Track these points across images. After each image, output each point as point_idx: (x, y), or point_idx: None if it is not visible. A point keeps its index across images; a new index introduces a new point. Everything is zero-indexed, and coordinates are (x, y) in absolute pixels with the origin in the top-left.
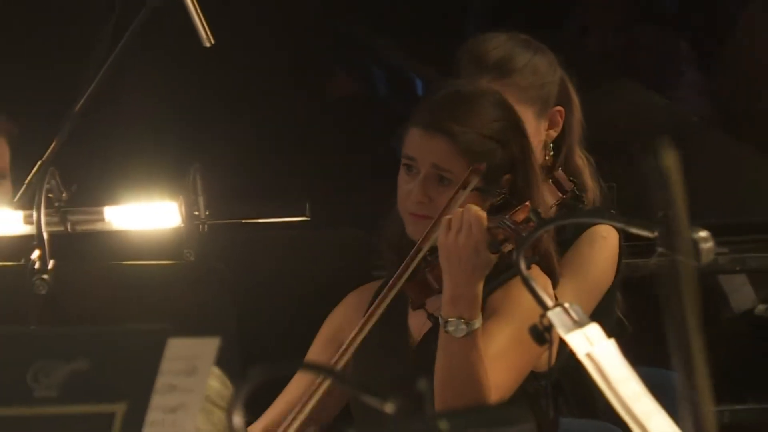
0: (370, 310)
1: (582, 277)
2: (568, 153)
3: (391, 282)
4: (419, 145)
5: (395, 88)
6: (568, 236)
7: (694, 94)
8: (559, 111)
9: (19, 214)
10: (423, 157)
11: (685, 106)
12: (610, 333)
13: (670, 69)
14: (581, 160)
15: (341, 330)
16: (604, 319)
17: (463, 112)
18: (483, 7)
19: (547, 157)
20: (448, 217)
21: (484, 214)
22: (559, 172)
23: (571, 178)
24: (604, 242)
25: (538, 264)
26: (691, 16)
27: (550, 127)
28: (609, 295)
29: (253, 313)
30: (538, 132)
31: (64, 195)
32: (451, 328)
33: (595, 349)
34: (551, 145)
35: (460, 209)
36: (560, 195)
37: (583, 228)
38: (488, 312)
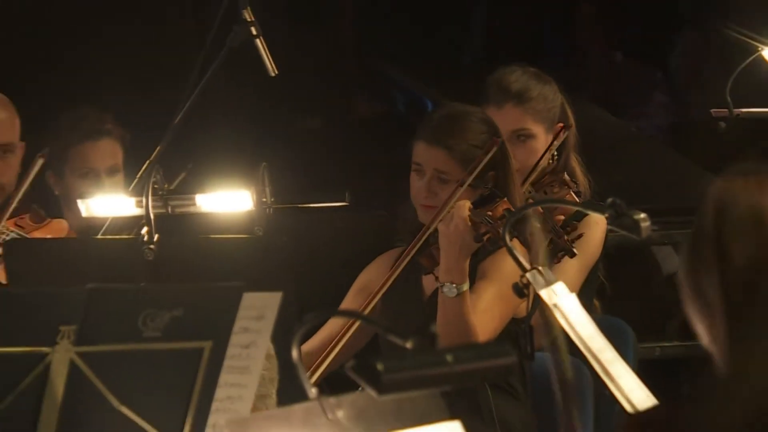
0: (392, 269)
1: (582, 251)
2: (566, 157)
3: (406, 251)
4: (424, 155)
5: (411, 107)
6: (572, 220)
7: (661, 111)
8: (560, 126)
9: (132, 200)
10: (427, 164)
11: (654, 122)
12: (596, 289)
13: (643, 93)
14: (575, 161)
15: (370, 282)
16: (592, 280)
17: (456, 128)
18: (476, 45)
19: (551, 162)
20: (448, 210)
21: (467, 213)
22: (565, 176)
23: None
24: (596, 227)
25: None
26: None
27: (554, 138)
28: (596, 264)
29: (306, 275)
30: (547, 141)
31: (165, 186)
32: (446, 290)
33: (560, 300)
34: (555, 152)
35: (456, 204)
36: (570, 189)
37: (582, 215)
38: (478, 276)
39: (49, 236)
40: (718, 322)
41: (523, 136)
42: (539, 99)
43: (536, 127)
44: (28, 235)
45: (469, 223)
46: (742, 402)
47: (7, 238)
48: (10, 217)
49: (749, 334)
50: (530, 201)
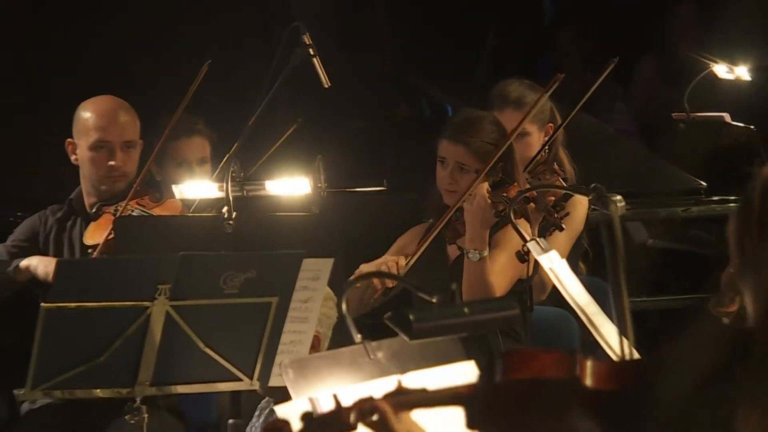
0: (422, 240)
1: (570, 225)
2: (555, 151)
3: (435, 225)
4: (446, 150)
5: (435, 111)
6: (561, 201)
7: (621, 116)
8: (550, 126)
9: (215, 185)
10: (450, 157)
11: (616, 123)
12: (581, 255)
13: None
14: (563, 154)
15: (405, 248)
16: (577, 248)
17: (472, 129)
18: (486, 63)
19: (544, 153)
20: (470, 193)
21: (486, 194)
22: (555, 166)
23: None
24: (580, 206)
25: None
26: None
27: (545, 135)
28: (581, 235)
29: (352, 245)
30: (540, 138)
31: (241, 174)
32: (470, 255)
33: (554, 265)
34: (547, 147)
35: (477, 187)
36: (559, 176)
37: (569, 196)
38: (492, 245)
39: (165, 213)
40: (763, 283)
41: (520, 135)
42: (530, 103)
43: (531, 127)
44: (149, 212)
45: (489, 202)
46: None
47: (134, 214)
48: (132, 198)
49: None
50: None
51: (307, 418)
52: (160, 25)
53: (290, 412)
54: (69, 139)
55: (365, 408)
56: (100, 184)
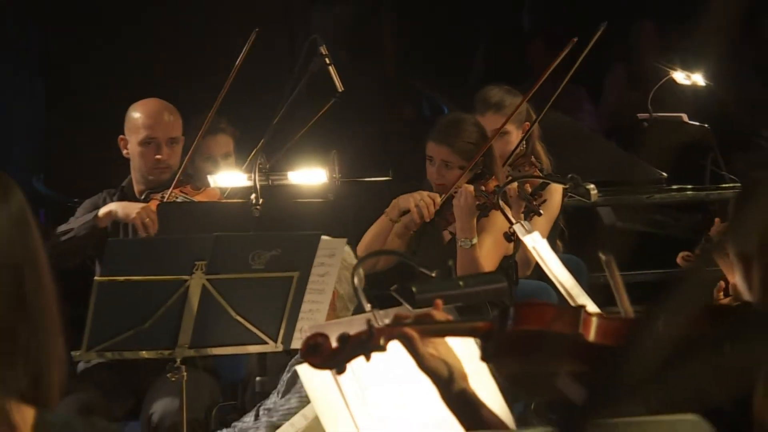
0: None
1: (547, 210)
2: (532, 145)
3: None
4: (433, 150)
5: (434, 112)
6: (538, 189)
7: (588, 115)
8: (527, 124)
9: (244, 176)
10: (436, 156)
11: (584, 121)
12: (558, 235)
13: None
14: (540, 147)
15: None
16: (555, 229)
17: (455, 131)
18: (479, 70)
19: (521, 147)
20: (455, 190)
21: (472, 191)
22: (533, 158)
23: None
24: (556, 193)
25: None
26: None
27: (522, 132)
28: (558, 217)
29: (362, 227)
30: (517, 136)
31: (267, 165)
32: (462, 244)
33: (536, 244)
34: (524, 142)
35: (463, 186)
36: (536, 168)
37: (545, 185)
38: (479, 229)
39: (205, 200)
40: (755, 271)
41: (500, 133)
42: (510, 107)
43: (510, 127)
44: (192, 199)
45: (474, 198)
46: None
47: (178, 200)
48: (176, 187)
49: None
50: (509, 178)
51: (343, 337)
52: (197, 38)
53: (309, 371)
54: (121, 136)
55: (394, 332)
56: (148, 175)
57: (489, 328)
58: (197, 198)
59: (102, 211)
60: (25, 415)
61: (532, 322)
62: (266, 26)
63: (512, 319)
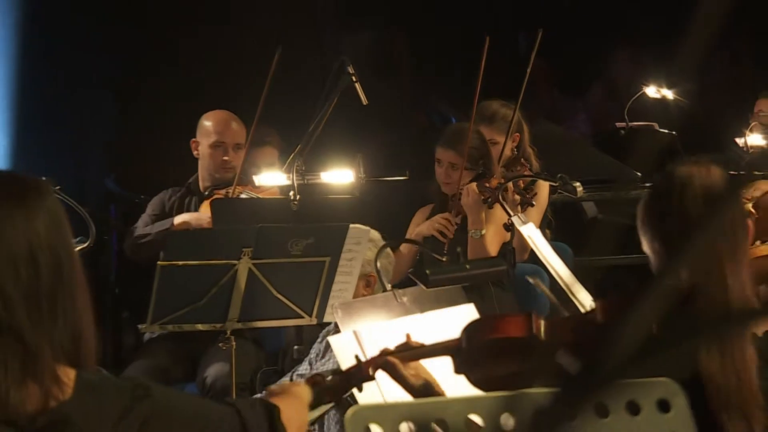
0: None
1: (538, 203)
2: (523, 149)
3: (438, 206)
4: (441, 154)
5: (443, 121)
6: (530, 185)
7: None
8: (517, 135)
9: (284, 176)
10: (444, 159)
11: (579, 129)
12: (546, 224)
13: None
14: (531, 151)
15: (418, 223)
16: (544, 218)
17: (460, 137)
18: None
19: (514, 152)
20: (466, 187)
21: (475, 188)
22: (523, 160)
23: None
24: (544, 188)
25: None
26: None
27: (514, 141)
28: (546, 209)
29: (383, 219)
30: (510, 143)
31: (303, 167)
32: (473, 234)
33: (531, 233)
34: (515, 148)
35: (469, 184)
36: (527, 168)
37: (534, 182)
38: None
39: (264, 196)
40: (675, 248)
41: (492, 143)
42: (501, 120)
43: (499, 137)
44: (255, 195)
45: (479, 194)
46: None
47: (242, 196)
48: (238, 185)
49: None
50: (503, 178)
51: (336, 373)
52: (245, 58)
53: (339, 341)
54: (193, 139)
55: (379, 362)
56: (215, 173)
57: (456, 345)
58: (261, 195)
59: (177, 220)
60: (69, 374)
61: (492, 333)
62: (303, 50)
63: (475, 334)
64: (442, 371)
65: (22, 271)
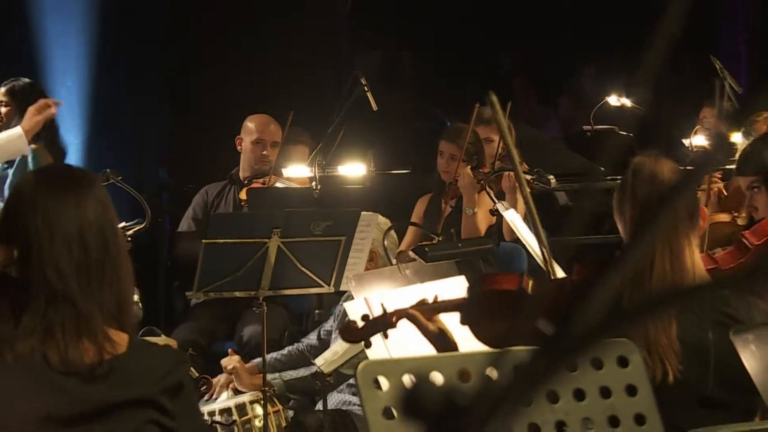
0: (429, 203)
1: (509, 195)
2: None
3: (437, 194)
4: (443, 147)
5: (440, 125)
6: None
7: (554, 129)
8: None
9: (308, 168)
10: (446, 150)
11: (550, 132)
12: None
13: (544, 119)
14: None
15: (420, 210)
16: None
17: (460, 133)
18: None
19: (502, 150)
20: (463, 172)
21: (470, 172)
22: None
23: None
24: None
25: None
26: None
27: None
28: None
29: (389, 205)
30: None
31: (324, 162)
32: (467, 211)
33: (513, 218)
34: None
35: (464, 170)
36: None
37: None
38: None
39: (298, 185)
40: (629, 226)
41: (487, 140)
42: (495, 123)
43: (494, 135)
44: (289, 184)
45: (473, 177)
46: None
47: (277, 185)
48: (273, 174)
49: (646, 231)
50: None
51: (365, 318)
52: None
53: (353, 306)
54: (238, 137)
55: (403, 313)
56: (255, 165)
57: (462, 302)
58: (294, 184)
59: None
60: (122, 336)
61: (491, 285)
62: (323, 65)
63: (478, 287)
64: (454, 325)
65: (74, 249)
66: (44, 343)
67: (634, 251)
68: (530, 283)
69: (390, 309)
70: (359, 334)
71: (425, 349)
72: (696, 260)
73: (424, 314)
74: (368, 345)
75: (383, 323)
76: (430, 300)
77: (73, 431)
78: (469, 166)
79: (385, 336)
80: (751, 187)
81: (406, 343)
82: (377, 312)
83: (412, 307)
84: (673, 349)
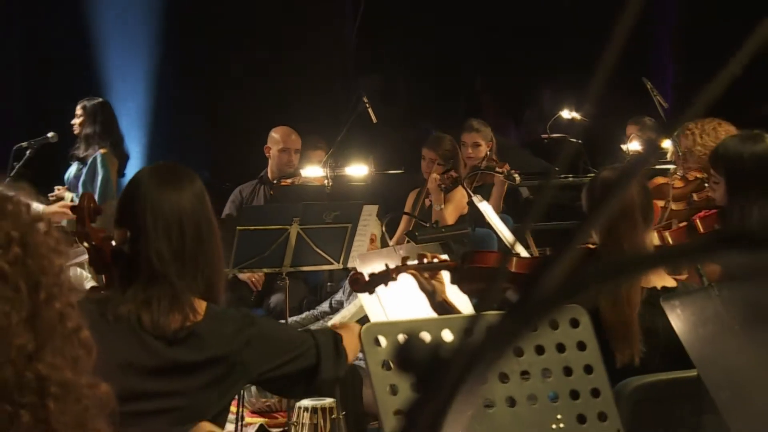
0: (418, 196)
1: (497, 188)
2: (493, 152)
3: (421, 191)
4: (426, 153)
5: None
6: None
7: (516, 137)
8: (491, 143)
9: (321, 170)
10: (427, 156)
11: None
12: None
13: (507, 129)
14: (494, 154)
15: (410, 200)
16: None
17: (439, 141)
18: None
19: (488, 154)
20: (431, 176)
21: (436, 178)
22: (494, 157)
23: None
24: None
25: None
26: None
27: (488, 146)
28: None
29: (386, 198)
30: (486, 147)
31: (334, 164)
32: (436, 207)
33: (485, 208)
34: (488, 152)
35: (432, 176)
36: (495, 162)
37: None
38: (447, 200)
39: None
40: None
41: (475, 144)
42: (484, 131)
43: (481, 141)
44: (314, 183)
45: (437, 182)
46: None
47: (296, 183)
48: (296, 176)
49: (593, 217)
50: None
51: (372, 274)
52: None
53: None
54: (266, 146)
55: (402, 269)
56: (282, 169)
57: (455, 265)
58: (312, 182)
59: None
60: (201, 305)
61: (477, 262)
62: (333, 86)
63: (467, 261)
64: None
65: (173, 238)
66: (140, 309)
67: (585, 231)
68: (513, 261)
69: (392, 265)
70: (366, 284)
71: (413, 306)
72: (650, 246)
73: (419, 271)
74: (371, 293)
75: (385, 276)
76: (426, 260)
77: (150, 380)
78: (436, 172)
79: (386, 285)
80: (714, 181)
81: (398, 302)
82: (380, 270)
83: (411, 264)
84: (636, 336)
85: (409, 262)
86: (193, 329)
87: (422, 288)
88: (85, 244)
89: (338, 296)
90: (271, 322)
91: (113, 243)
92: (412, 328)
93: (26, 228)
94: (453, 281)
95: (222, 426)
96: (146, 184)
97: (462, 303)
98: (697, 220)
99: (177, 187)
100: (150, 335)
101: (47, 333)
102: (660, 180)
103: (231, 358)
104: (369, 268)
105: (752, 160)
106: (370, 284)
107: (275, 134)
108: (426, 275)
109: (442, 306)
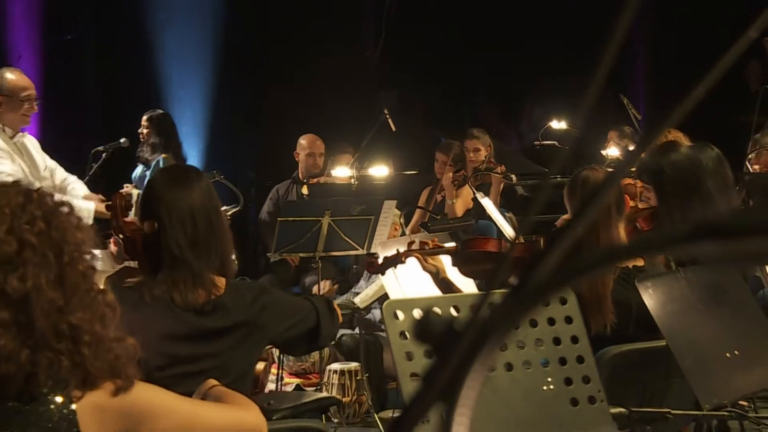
0: (431, 193)
1: (494, 186)
2: (492, 155)
3: (434, 189)
4: (438, 156)
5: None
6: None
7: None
8: (490, 146)
9: (348, 170)
10: (439, 159)
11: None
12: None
13: (509, 137)
14: (492, 157)
15: (424, 196)
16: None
17: (450, 146)
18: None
19: (487, 157)
20: (445, 175)
21: (451, 176)
22: (492, 159)
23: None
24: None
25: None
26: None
27: (486, 150)
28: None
29: (404, 195)
30: (486, 151)
31: (359, 165)
32: (448, 201)
33: (487, 204)
34: (487, 155)
35: (446, 175)
36: (494, 164)
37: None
38: (455, 196)
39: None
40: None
41: (475, 149)
42: (483, 138)
43: (481, 146)
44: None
45: (451, 179)
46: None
47: (320, 181)
48: (324, 175)
49: (584, 212)
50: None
51: (385, 257)
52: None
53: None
54: (295, 152)
55: (408, 254)
56: (310, 170)
57: (455, 249)
58: (339, 181)
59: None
60: (222, 281)
61: (476, 247)
62: (358, 98)
63: (465, 247)
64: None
65: (187, 227)
66: (171, 290)
67: (576, 225)
68: (509, 245)
69: (401, 250)
70: (379, 267)
71: (424, 285)
72: (622, 235)
73: (423, 255)
74: (383, 274)
75: (395, 260)
76: (431, 244)
77: (186, 346)
78: (449, 173)
79: (395, 267)
80: (646, 188)
81: (412, 281)
82: (392, 254)
83: (416, 249)
84: (608, 309)
85: (413, 248)
86: (217, 301)
87: (425, 269)
88: (120, 235)
89: (357, 288)
90: (280, 292)
91: (143, 233)
92: (427, 304)
93: (49, 209)
94: (453, 264)
95: (245, 391)
96: (159, 185)
97: (462, 282)
98: (640, 221)
99: (186, 186)
100: (182, 309)
101: (73, 289)
102: (626, 180)
103: (251, 322)
104: (387, 252)
105: (671, 168)
106: (382, 267)
107: (302, 141)
108: (429, 259)
109: (444, 283)
